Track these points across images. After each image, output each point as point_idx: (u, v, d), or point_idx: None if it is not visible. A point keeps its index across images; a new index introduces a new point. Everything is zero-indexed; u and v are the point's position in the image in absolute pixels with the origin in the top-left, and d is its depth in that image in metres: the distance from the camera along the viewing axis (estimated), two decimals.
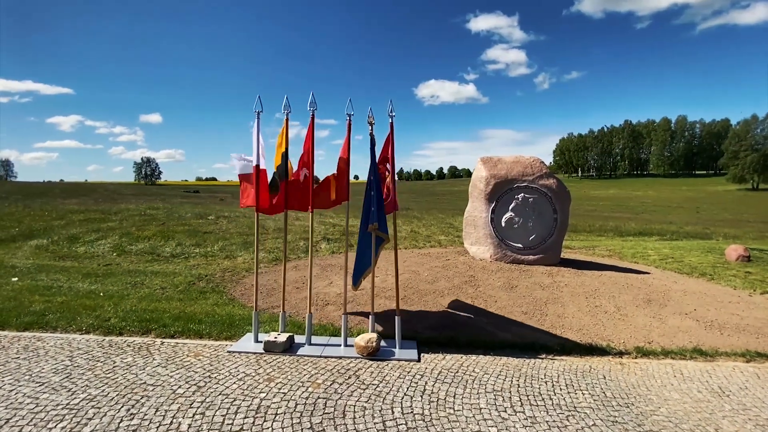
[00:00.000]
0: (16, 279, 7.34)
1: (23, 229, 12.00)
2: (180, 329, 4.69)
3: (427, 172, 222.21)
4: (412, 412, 3.11)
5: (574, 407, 3.25)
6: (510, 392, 3.44)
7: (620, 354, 4.39)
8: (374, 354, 4.06)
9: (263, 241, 11.22)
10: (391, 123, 4.35)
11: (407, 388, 3.47)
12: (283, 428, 2.87)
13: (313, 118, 4.38)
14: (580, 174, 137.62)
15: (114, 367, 3.75)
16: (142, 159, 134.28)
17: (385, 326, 4.97)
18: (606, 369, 3.98)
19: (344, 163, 4.50)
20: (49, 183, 71.75)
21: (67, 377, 3.52)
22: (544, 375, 3.79)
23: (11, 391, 3.26)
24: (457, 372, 3.81)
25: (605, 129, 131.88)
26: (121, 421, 2.91)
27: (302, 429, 2.87)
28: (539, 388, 3.54)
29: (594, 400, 3.36)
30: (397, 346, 4.29)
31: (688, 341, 4.68)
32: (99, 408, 3.06)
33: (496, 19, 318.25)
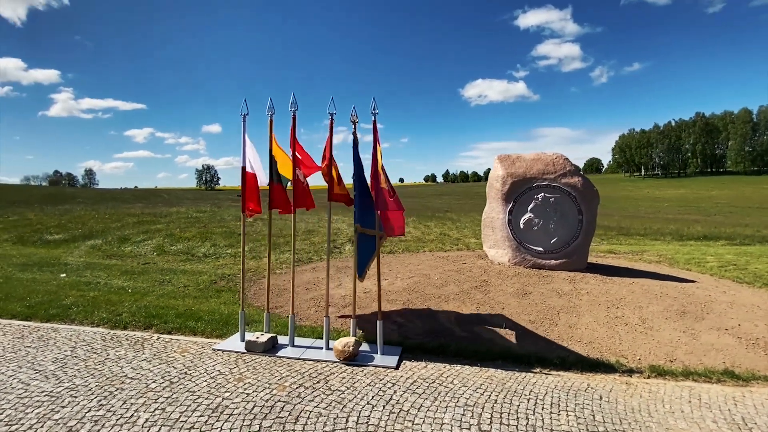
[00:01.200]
0: (64, 275, 8.13)
1: (84, 231, 13.33)
2: (178, 326, 4.89)
3: (474, 174, 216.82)
4: (367, 422, 2.94)
5: (551, 430, 2.89)
6: (483, 408, 3.15)
7: (629, 372, 3.88)
8: (352, 358, 3.93)
9: (289, 242, 11.47)
10: (374, 121, 4.22)
11: (372, 397, 3.30)
12: (231, 429, 2.84)
13: (294, 120, 4.36)
14: (643, 173, 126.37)
15: (105, 359, 3.97)
16: (202, 166, 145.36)
17: (384, 331, 4.83)
18: (606, 388, 3.53)
19: (326, 165, 4.43)
20: (124, 189, 79.68)
21: (62, 366, 3.79)
22: (530, 392, 3.43)
23: (10, 376, 3.57)
24: (433, 382, 3.57)
25: (673, 123, 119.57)
26: (89, 411, 3.05)
27: (249, 431, 2.82)
28: (518, 405, 3.21)
29: (578, 424, 2.97)
30: (378, 352, 4.13)
31: (720, 361, 4.03)
32: (75, 397, 3.24)
33: (546, 13, 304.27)
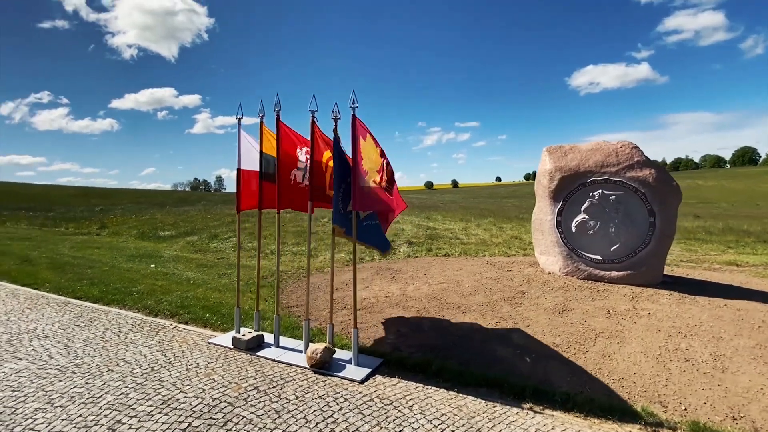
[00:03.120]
0: (153, 266, 9.53)
1: (188, 228, 15.53)
2: (194, 317, 5.28)
3: None
4: None
5: None
6: None
7: (657, 426, 2.91)
8: (321, 366, 3.73)
9: (349, 242, 11.67)
10: (353, 117, 3.93)
11: (312, 411, 3.06)
12: (164, 423, 2.90)
13: (278, 119, 4.32)
14: None
15: (120, 342, 4.47)
16: None
17: (377, 340, 4.54)
18: None
19: (318, 166, 4.29)
20: None
21: (86, 345, 4.37)
22: None
23: (46, 349, 4.23)
24: (389, 404, 3.16)
25: None
26: (74, 387, 3.42)
27: (179, 428, 2.84)
28: None
29: None
30: (353, 362, 3.84)
31: None
32: (74, 374, 3.67)
33: None
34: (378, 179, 4.05)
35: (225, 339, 4.48)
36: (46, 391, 3.35)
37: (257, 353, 4.14)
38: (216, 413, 3.03)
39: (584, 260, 5.90)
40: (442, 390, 3.40)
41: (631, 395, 3.30)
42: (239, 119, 4.59)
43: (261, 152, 4.43)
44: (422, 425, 2.89)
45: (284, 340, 4.47)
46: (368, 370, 3.70)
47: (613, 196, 5.67)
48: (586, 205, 5.82)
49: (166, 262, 9.93)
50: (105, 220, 19.07)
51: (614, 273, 5.72)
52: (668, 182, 5.55)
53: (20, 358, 3.99)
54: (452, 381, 3.53)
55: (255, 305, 4.83)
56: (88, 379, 3.59)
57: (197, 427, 2.87)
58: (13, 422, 2.92)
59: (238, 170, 4.60)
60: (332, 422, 2.92)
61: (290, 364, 3.89)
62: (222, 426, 2.88)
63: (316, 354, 3.72)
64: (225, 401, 3.21)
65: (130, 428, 2.86)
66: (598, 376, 3.57)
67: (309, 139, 4.21)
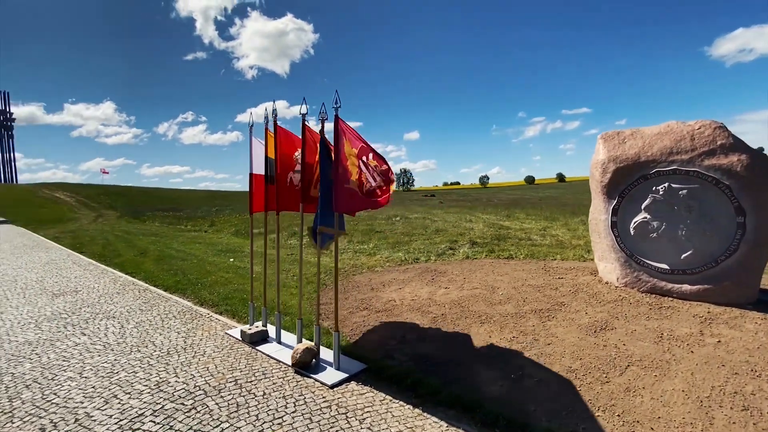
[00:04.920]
0: (232, 260, 10.73)
1: (273, 227, 17.06)
2: (230, 309, 5.79)
3: None
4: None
5: None
6: None
7: None
8: (301, 366, 3.74)
9: (413, 241, 11.57)
10: (336, 116, 3.84)
11: (268, 410, 3.08)
12: (145, 402, 3.23)
13: (275, 123, 4.45)
14: None
15: (158, 327, 5.11)
16: (400, 170, 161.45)
17: (374, 347, 4.41)
18: None
19: (309, 167, 4.32)
20: None
21: (134, 327, 5.10)
22: None
23: (104, 328, 5.07)
24: (345, 414, 3.02)
25: None
26: (103, 363, 4.04)
27: (152, 408, 3.13)
28: None
29: None
30: (333, 365, 3.77)
31: None
32: (107, 351, 4.34)
33: None
34: (357, 179, 3.92)
35: (238, 332, 4.81)
36: (84, 364, 4.02)
37: (258, 347, 4.35)
38: (188, 399, 3.27)
39: (647, 269, 4.85)
40: (408, 406, 3.12)
41: None
42: (251, 127, 4.88)
43: (266, 156, 4.64)
44: None
45: (289, 338, 4.61)
46: (345, 375, 3.60)
47: (684, 191, 4.53)
48: (647, 201, 4.77)
49: (245, 257, 11.05)
50: (215, 218, 22.14)
51: (686, 287, 4.58)
52: (765, 170, 4.22)
53: (84, 334, 4.85)
54: (425, 398, 3.22)
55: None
56: (118, 356, 4.20)
57: (167, 409, 3.14)
58: (48, 387, 3.56)
59: (251, 175, 4.89)
60: (277, 424, 2.91)
61: (279, 361, 4.00)
62: (186, 412, 3.10)
63: (297, 354, 3.76)
64: (203, 390, 3.44)
65: (118, 403, 3.25)
66: (604, 415, 2.90)
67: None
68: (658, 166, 4.71)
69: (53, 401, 3.31)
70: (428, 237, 12.38)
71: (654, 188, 4.72)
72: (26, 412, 3.15)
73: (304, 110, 4.17)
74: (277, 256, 4.97)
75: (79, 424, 2.97)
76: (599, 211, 5.33)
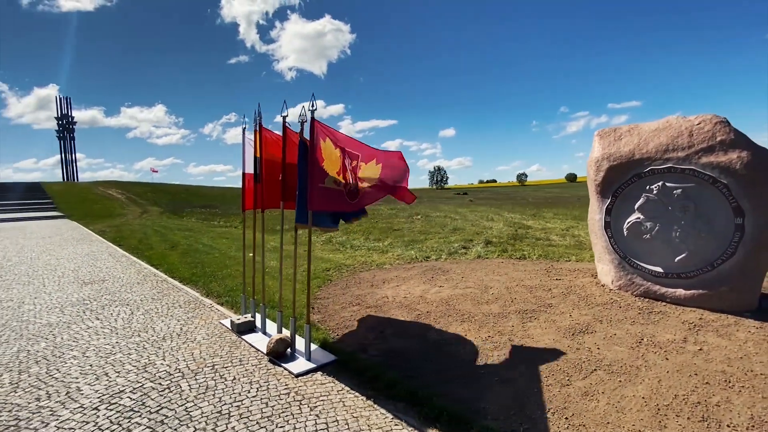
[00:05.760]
0: (251, 255, 11.23)
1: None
2: (231, 300, 6.13)
3: None
4: (187, 415, 3.03)
5: None
6: None
7: None
8: (274, 355, 3.94)
9: (428, 239, 11.58)
10: (312, 119, 3.99)
11: (232, 393, 3.29)
12: (129, 380, 3.55)
13: (260, 124, 4.67)
14: None
15: (163, 315, 5.52)
16: (434, 168, 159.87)
17: (353, 340, 4.54)
18: None
19: (291, 167, 4.51)
20: None
21: (142, 314, 5.55)
22: None
23: (117, 315, 5.55)
24: (300, 401, 3.17)
25: None
26: (106, 345, 4.45)
27: (133, 386, 3.45)
28: None
29: None
30: (304, 356, 3.94)
31: None
32: (112, 335, 4.76)
33: None
34: (341, 180, 4.05)
35: (229, 321, 5.11)
36: (89, 345, 4.46)
37: (244, 336, 4.61)
38: (165, 380, 3.57)
39: (640, 272, 4.64)
40: (362, 398, 3.23)
41: None
42: (243, 128, 5.15)
43: (255, 156, 4.89)
44: (305, 425, 2.84)
45: (274, 329, 4.84)
46: (312, 366, 3.76)
47: (679, 190, 4.29)
48: (640, 201, 4.56)
49: (266, 252, 11.52)
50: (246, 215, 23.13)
51: (681, 291, 4.34)
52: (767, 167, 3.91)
53: (98, 319, 5.35)
54: (380, 391, 3.31)
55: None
56: (120, 339, 4.61)
57: (145, 387, 3.44)
58: (53, 364, 3.99)
59: (243, 174, 5.16)
60: (236, 405, 3.12)
61: (258, 350, 4.23)
62: (161, 391, 3.38)
63: (271, 344, 3.96)
64: (182, 372, 3.73)
65: (107, 380, 3.60)
66: (552, 417, 2.85)
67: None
68: (653, 163, 4.48)
69: (54, 376, 3.72)
70: (444, 236, 12.32)
71: (648, 187, 4.50)
72: (29, 384, 3.57)
73: (285, 113, 4.36)
74: (262, 250, 5.23)
75: (68, 396, 3.33)
76: (594, 211, 5.14)
